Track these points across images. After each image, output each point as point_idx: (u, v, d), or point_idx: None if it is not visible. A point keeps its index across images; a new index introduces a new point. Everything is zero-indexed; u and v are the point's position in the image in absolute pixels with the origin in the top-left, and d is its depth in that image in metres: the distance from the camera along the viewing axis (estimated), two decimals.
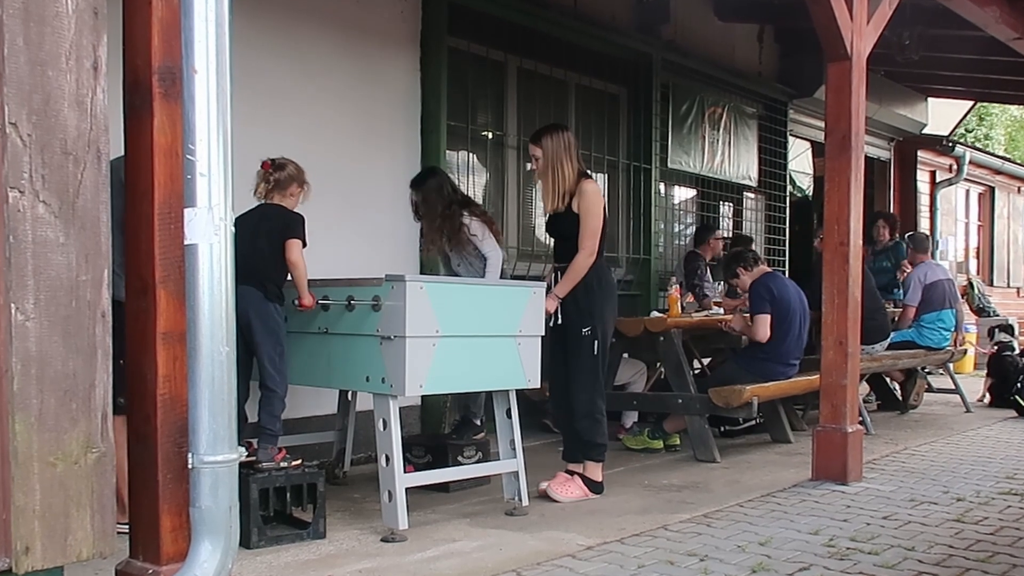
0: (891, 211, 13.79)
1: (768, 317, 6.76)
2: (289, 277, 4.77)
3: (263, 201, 4.89)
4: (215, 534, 2.82)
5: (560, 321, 5.30)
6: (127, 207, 2.93)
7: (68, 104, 2.49)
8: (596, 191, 5.38)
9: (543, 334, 5.09)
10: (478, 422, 6.06)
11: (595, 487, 5.38)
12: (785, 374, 6.86)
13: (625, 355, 7.54)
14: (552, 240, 5.63)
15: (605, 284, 5.42)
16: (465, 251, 5.97)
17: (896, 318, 9.35)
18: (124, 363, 2.91)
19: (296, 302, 4.77)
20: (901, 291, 10.26)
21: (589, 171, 5.62)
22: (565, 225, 5.32)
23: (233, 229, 2.86)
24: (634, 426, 7.55)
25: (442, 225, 5.92)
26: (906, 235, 10.58)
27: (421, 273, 6.74)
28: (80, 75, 2.51)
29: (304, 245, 4.77)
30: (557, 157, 5.28)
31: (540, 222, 8.08)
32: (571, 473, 5.39)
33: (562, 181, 5.28)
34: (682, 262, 8.79)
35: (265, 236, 4.70)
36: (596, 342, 5.29)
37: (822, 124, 6.17)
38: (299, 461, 4.64)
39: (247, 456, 4.49)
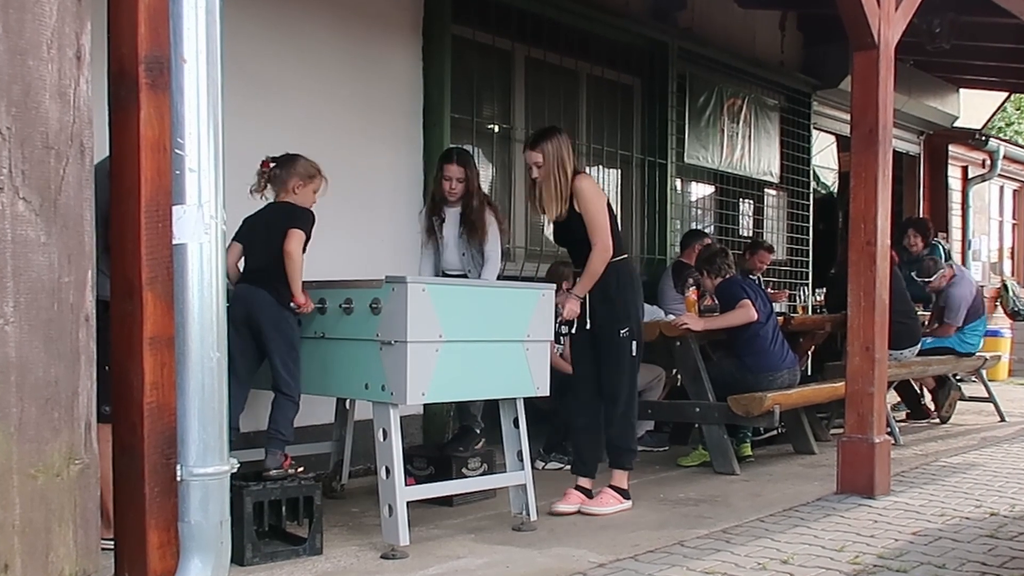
0: (921, 213, 13.74)
1: (748, 301, 6.76)
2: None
3: (271, 201, 4.95)
4: (205, 550, 2.81)
5: (588, 326, 5.30)
6: (112, 205, 2.92)
7: (50, 95, 2.49)
8: (592, 185, 5.40)
9: (552, 339, 5.09)
10: (478, 430, 6.06)
11: (624, 494, 5.44)
12: (780, 351, 6.87)
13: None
14: (564, 248, 5.65)
15: (635, 282, 5.49)
16: (473, 241, 5.95)
17: (925, 322, 9.32)
18: (109, 369, 2.91)
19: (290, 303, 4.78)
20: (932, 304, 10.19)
21: (584, 167, 5.62)
22: (575, 229, 5.33)
23: (224, 228, 2.86)
24: (645, 435, 7.51)
25: (479, 209, 5.89)
26: (938, 237, 10.51)
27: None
28: (62, 65, 2.51)
29: (307, 239, 4.81)
30: (559, 162, 5.29)
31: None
32: (580, 489, 5.39)
33: (564, 186, 5.30)
34: (670, 275, 8.66)
35: (276, 238, 4.74)
36: (634, 343, 5.33)
37: (847, 117, 6.15)
38: (302, 468, 4.66)
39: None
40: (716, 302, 7.98)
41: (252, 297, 4.73)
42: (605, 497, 5.37)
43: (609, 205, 5.44)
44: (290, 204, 4.90)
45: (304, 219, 4.84)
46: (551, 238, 5.88)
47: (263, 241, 4.81)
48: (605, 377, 5.37)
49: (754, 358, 6.79)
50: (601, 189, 5.49)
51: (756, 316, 6.73)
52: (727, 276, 7.04)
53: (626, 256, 5.48)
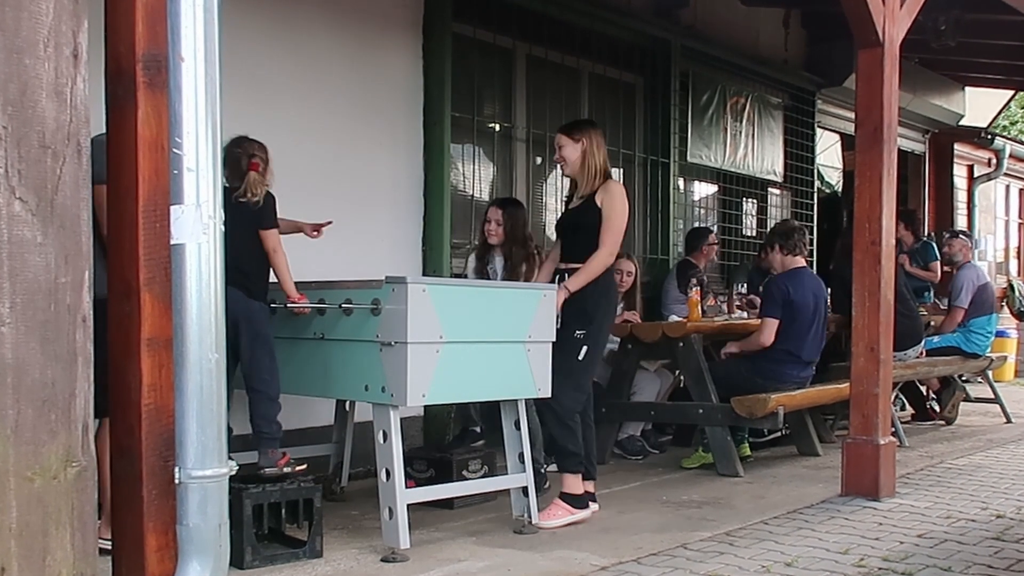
0: (926, 212, 13.74)
1: (776, 322, 6.79)
2: (273, 278, 4.78)
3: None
4: (204, 554, 2.81)
5: (558, 324, 5.27)
6: (109, 204, 2.92)
7: (46, 94, 2.48)
8: (624, 194, 5.42)
9: (554, 339, 5.08)
10: (478, 429, 6.07)
11: (575, 502, 5.23)
12: (797, 375, 6.87)
13: (652, 369, 7.53)
14: (563, 237, 5.62)
15: (611, 292, 5.43)
16: None
17: (932, 322, 9.32)
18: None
19: (286, 304, 4.75)
20: (931, 295, 10.21)
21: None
22: (584, 216, 5.30)
23: (223, 228, 2.85)
24: (629, 439, 7.41)
25: (525, 258, 6.10)
26: (946, 233, 10.50)
27: (424, 275, 6.73)
28: (59, 63, 2.50)
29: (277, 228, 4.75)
30: (597, 150, 5.35)
31: (551, 219, 8.06)
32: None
33: (595, 176, 5.32)
34: (674, 275, 8.66)
35: (239, 228, 4.61)
36: (585, 347, 5.24)
37: (852, 115, 6.16)
38: (304, 466, 4.64)
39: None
40: (717, 301, 7.99)
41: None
42: (553, 509, 5.18)
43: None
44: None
45: (268, 212, 4.74)
46: (554, 228, 5.89)
47: (240, 235, 4.64)
48: (553, 374, 5.19)
49: (771, 366, 6.77)
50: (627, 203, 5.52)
51: (769, 343, 6.79)
52: (790, 268, 7.03)
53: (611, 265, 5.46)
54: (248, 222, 4.67)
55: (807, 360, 6.93)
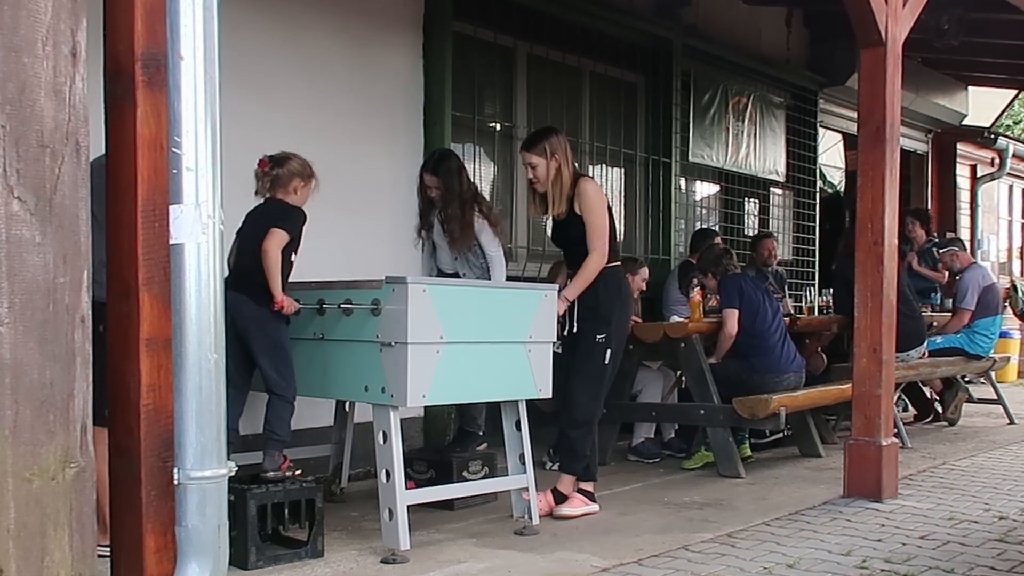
0: (926, 208, 13.73)
1: (735, 312, 6.93)
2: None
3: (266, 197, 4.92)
4: (203, 555, 2.80)
5: (574, 329, 5.29)
6: (108, 204, 2.91)
7: (45, 93, 2.47)
8: (596, 189, 5.46)
9: (555, 340, 5.08)
10: (480, 432, 6.08)
11: (560, 497, 5.40)
12: (788, 365, 6.91)
13: (655, 367, 7.53)
14: (561, 249, 5.68)
15: (623, 291, 5.45)
16: (459, 246, 6.02)
17: (934, 322, 9.31)
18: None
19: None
20: (938, 295, 10.21)
21: (587, 166, 5.65)
22: (573, 229, 5.34)
23: (222, 228, 2.85)
24: (644, 444, 7.45)
25: (461, 215, 5.94)
26: (946, 234, 10.52)
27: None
28: (58, 62, 2.50)
29: (290, 239, 4.73)
30: (566, 160, 5.34)
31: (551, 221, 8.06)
32: (583, 492, 5.39)
33: (567, 186, 5.32)
34: (676, 273, 8.67)
35: (260, 238, 4.68)
36: (608, 351, 5.29)
37: (854, 115, 6.15)
38: (300, 471, 4.66)
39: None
40: (719, 301, 8.00)
41: (233, 302, 4.58)
42: (572, 500, 5.36)
43: (609, 209, 5.46)
44: (282, 202, 4.85)
45: (290, 218, 4.77)
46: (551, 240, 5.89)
47: (251, 240, 4.74)
48: (574, 380, 5.29)
49: (760, 358, 6.81)
50: (603, 193, 5.54)
51: (735, 332, 6.89)
52: (730, 273, 7.11)
53: (618, 264, 5.47)
54: (267, 223, 4.73)
55: (779, 330, 7.02)
